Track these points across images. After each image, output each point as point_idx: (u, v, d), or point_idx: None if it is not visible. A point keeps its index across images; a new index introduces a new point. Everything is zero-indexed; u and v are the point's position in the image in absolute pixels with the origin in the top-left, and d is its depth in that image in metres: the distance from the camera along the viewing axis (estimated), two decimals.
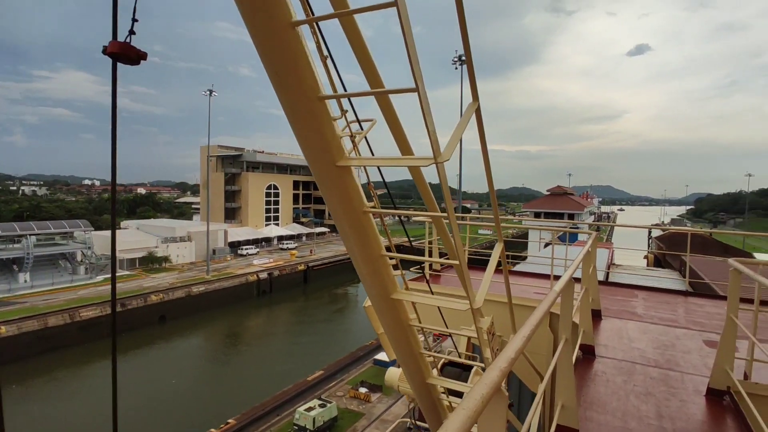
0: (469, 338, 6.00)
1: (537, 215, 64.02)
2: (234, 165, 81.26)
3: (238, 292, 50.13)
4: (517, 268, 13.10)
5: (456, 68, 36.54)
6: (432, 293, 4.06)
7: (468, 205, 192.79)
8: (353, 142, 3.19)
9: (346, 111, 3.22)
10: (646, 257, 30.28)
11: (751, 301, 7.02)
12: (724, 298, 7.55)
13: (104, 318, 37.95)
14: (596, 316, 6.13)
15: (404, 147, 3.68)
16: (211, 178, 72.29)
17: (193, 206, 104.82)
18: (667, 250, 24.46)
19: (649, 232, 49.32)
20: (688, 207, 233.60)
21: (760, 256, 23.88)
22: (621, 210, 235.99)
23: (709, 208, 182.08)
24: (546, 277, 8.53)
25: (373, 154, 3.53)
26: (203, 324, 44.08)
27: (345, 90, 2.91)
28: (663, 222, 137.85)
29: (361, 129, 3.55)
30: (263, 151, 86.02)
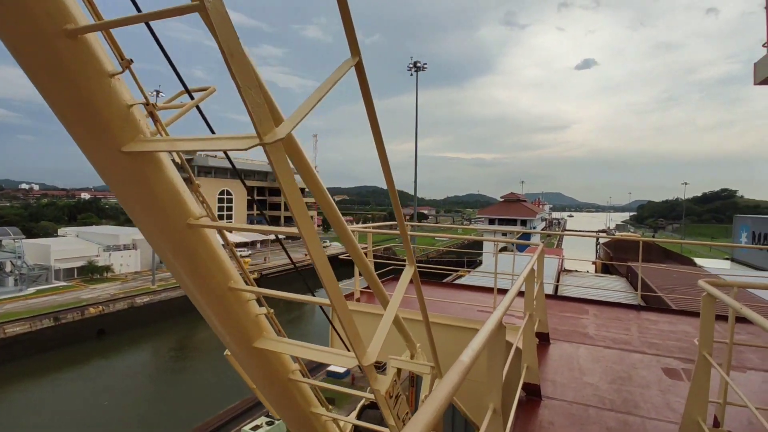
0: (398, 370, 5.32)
1: (492, 221, 65.31)
2: (185, 170, 78.12)
3: (187, 302, 47.40)
4: (465, 279, 12.75)
5: (411, 74, 36.59)
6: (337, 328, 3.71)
7: (425, 212, 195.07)
8: (154, 116, 2.21)
9: (131, 61, 1.96)
10: (594, 263, 31.43)
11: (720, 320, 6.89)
12: (677, 312, 7.20)
13: (35, 334, 34.99)
14: (544, 339, 5.51)
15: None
16: None
17: None
18: (613, 256, 25.42)
19: (597, 240, 51.52)
20: (631, 213, 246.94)
21: (699, 261, 25.01)
22: (570, 216, 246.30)
23: (649, 214, 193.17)
24: (487, 291, 7.92)
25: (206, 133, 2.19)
26: (148, 338, 41.62)
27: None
28: (608, 227, 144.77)
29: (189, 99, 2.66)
30: (216, 156, 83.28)
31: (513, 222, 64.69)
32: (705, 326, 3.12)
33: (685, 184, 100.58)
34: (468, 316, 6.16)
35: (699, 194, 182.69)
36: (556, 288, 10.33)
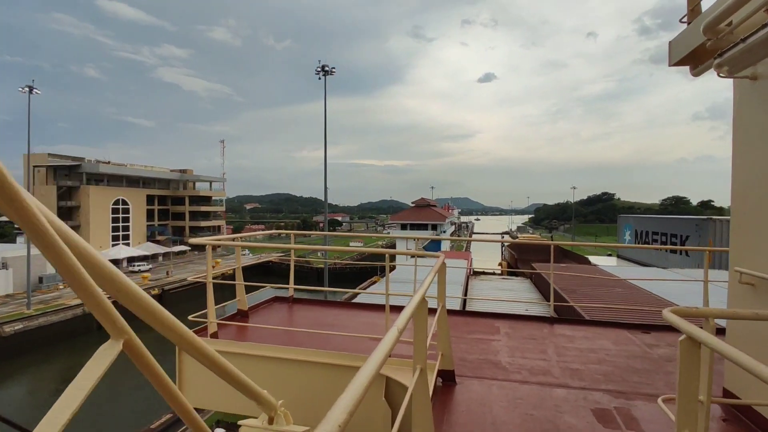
0: None
1: (404, 227, 66.83)
2: (71, 177, 70.00)
3: (72, 326, 42.56)
4: (362, 297, 10.13)
5: (319, 78, 36.15)
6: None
7: (339, 218, 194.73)
8: None
9: None
10: (500, 264, 33.45)
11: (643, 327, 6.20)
12: (591, 323, 6.58)
13: None
14: (449, 378, 4.39)
15: None
16: (40, 192, 61.23)
17: (16, 226, 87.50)
18: (517, 257, 26.94)
19: (502, 244, 55.19)
20: (530, 215, 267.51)
21: (592, 259, 27.31)
22: (477, 219, 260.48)
23: (545, 216, 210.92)
24: (396, 310, 6.29)
25: None
26: (22, 371, 36.36)
27: None
28: (511, 229, 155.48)
29: None
30: (109, 162, 75.88)
31: (424, 227, 66.77)
32: (684, 387, 2.11)
33: (574, 188, 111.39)
34: (359, 348, 4.94)
35: (585, 197, 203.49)
36: (464, 303, 9.35)
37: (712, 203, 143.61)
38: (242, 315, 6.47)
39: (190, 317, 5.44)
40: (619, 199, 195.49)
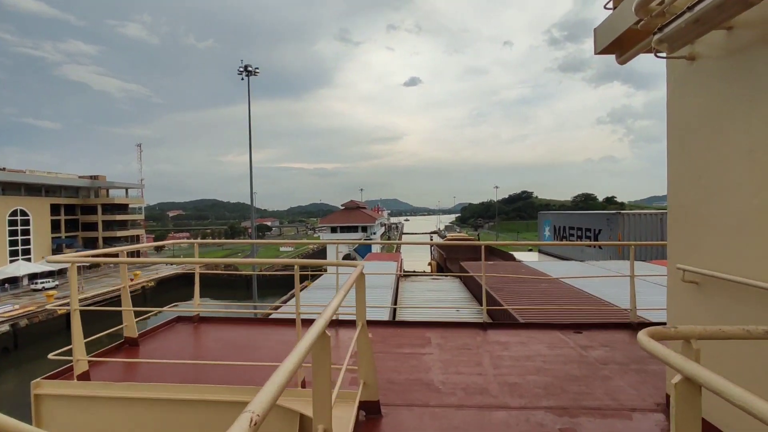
0: None
1: (334, 230, 66.95)
2: None
3: None
4: (285, 309, 9.49)
5: (242, 79, 35.26)
6: None
7: (269, 223, 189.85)
8: None
9: None
10: (429, 264, 34.54)
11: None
12: (523, 326, 6.21)
13: None
14: (373, 411, 3.75)
15: None
16: None
17: None
18: (446, 255, 27.51)
19: (431, 239, 57.12)
20: (456, 215, 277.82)
21: (516, 255, 28.60)
22: (407, 220, 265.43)
23: (470, 215, 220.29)
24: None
25: None
26: None
27: None
28: (439, 228, 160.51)
29: None
30: (5, 169, 68.46)
31: (354, 229, 67.33)
32: None
33: (496, 187, 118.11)
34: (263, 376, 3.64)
35: (506, 196, 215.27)
36: (394, 312, 8.69)
37: (615, 199, 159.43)
38: (131, 344, 5.29)
39: (50, 355, 4.30)
40: (537, 197, 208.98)
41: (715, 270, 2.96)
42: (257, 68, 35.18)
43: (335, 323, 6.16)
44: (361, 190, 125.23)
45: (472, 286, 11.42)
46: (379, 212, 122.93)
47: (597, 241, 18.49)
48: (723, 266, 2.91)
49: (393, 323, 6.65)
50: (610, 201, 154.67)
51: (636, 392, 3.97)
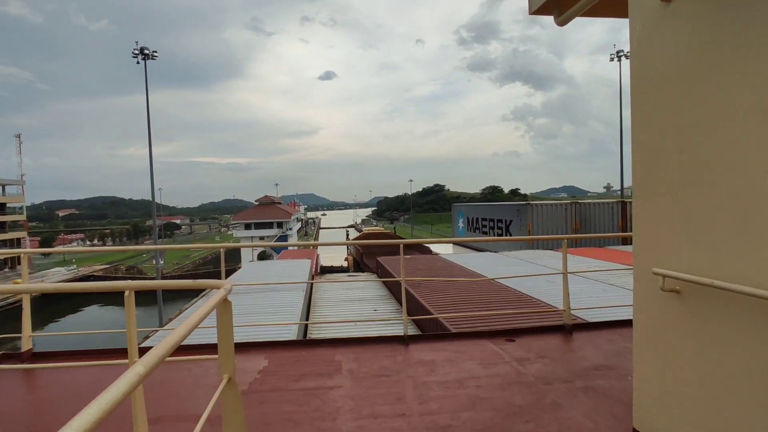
0: None
1: (248, 226, 64.45)
2: None
3: None
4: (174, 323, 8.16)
5: (138, 63, 32.29)
6: None
7: (177, 221, 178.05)
8: None
9: None
10: (346, 259, 34.42)
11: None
12: (447, 336, 5.56)
13: None
14: None
15: None
16: None
17: None
18: (363, 251, 27.16)
19: (347, 235, 56.94)
20: (373, 208, 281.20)
21: (433, 247, 29.35)
22: (324, 215, 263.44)
23: (386, 208, 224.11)
24: (209, 348, 4.74)
25: None
26: None
27: None
28: (356, 222, 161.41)
29: None
30: None
31: (269, 225, 65.37)
32: None
33: (411, 181, 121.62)
34: None
35: (420, 189, 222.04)
36: (305, 329, 7.90)
37: (519, 191, 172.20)
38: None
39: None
40: (448, 189, 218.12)
41: (705, 276, 2.27)
42: (155, 52, 32.45)
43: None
44: (276, 185, 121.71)
45: (391, 284, 11.13)
46: (296, 207, 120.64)
47: (508, 230, 19.59)
48: (717, 271, 2.23)
49: (296, 344, 5.45)
50: (514, 193, 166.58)
51: (594, 426, 3.26)
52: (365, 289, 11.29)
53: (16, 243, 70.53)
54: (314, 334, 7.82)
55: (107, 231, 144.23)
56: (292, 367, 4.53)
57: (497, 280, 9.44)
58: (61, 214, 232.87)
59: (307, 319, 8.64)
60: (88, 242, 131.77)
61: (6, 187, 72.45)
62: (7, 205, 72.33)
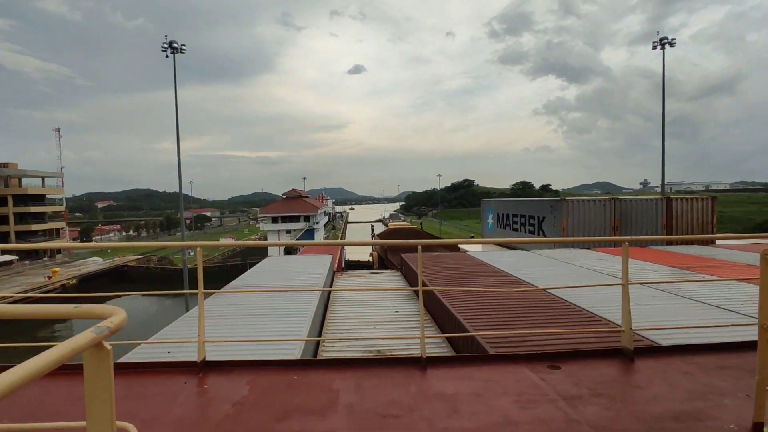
0: None
1: (275, 220, 64.87)
2: None
3: None
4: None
5: (167, 57, 32.46)
6: None
7: (208, 214, 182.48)
8: None
9: None
10: (371, 255, 33.80)
11: None
12: (472, 360, 4.56)
13: None
14: None
15: None
16: None
17: None
18: (387, 247, 26.48)
19: (372, 230, 56.38)
20: (401, 203, 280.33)
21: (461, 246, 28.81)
22: (352, 209, 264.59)
23: (414, 203, 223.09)
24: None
25: None
26: None
27: None
28: (384, 217, 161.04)
29: None
30: None
31: (296, 219, 65.60)
32: None
33: (440, 176, 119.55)
34: None
35: (449, 184, 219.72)
36: (316, 350, 6.92)
37: (551, 186, 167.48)
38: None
39: None
40: (478, 185, 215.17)
41: None
42: (183, 45, 32.53)
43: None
44: (304, 178, 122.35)
45: (413, 281, 10.40)
46: (324, 201, 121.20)
47: (541, 228, 18.56)
48: None
49: (289, 365, 4.44)
50: (545, 189, 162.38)
51: None
52: (388, 287, 10.80)
53: (55, 233, 73.36)
54: (326, 345, 7.13)
55: (142, 222, 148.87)
56: (278, 398, 3.62)
57: (548, 290, 7.87)
58: (99, 205, 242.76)
59: (322, 322, 8.03)
60: (123, 233, 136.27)
61: (46, 179, 75.33)
62: (48, 196, 75.22)
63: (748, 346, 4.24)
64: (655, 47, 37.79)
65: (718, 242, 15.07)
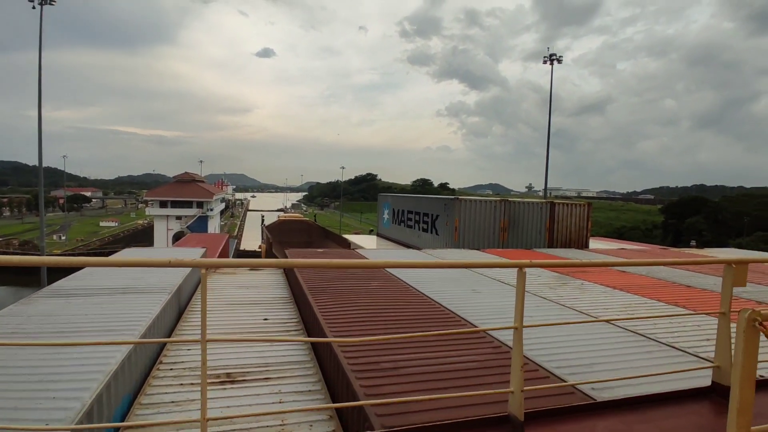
0: None
1: (163, 204, 59.51)
2: None
3: None
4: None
5: (33, 8, 27.33)
6: None
7: (88, 194, 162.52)
8: None
9: None
10: (260, 247, 31.79)
11: None
12: None
13: None
14: None
15: None
16: None
17: None
18: (280, 240, 24.96)
19: (262, 220, 53.49)
20: (304, 193, 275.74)
21: (350, 237, 28.18)
22: (253, 197, 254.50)
23: (318, 194, 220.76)
24: None
25: None
26: None
27: None
28: (285, 206, 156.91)
29: None
30: None
31: (189, 204, 60.80)
32: None
33: (343, 168, 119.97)
34: None
35: (353, 177, 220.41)
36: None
37: (448, 185, 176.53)
38: None
39: None
40: (380, 179, 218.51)
41: None
42: None
43: None
44: (201, 161, 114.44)
45: (293, 283, 8.30)
46: (223, 187, 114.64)
47: (434, 226, 18.84)
48: None
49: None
50: (444, 187, 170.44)
51: None
52: (264, 289, 8.54)
53: None
54: (167, 358, 5.01)
55: (5, 200, 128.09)
56: None
57: (605, 320, 5.94)
58: None
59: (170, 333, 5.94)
60: None
61: None
62: None
63: None
64: (545, 62, 41.34)
65: (591, 246, 16.56)
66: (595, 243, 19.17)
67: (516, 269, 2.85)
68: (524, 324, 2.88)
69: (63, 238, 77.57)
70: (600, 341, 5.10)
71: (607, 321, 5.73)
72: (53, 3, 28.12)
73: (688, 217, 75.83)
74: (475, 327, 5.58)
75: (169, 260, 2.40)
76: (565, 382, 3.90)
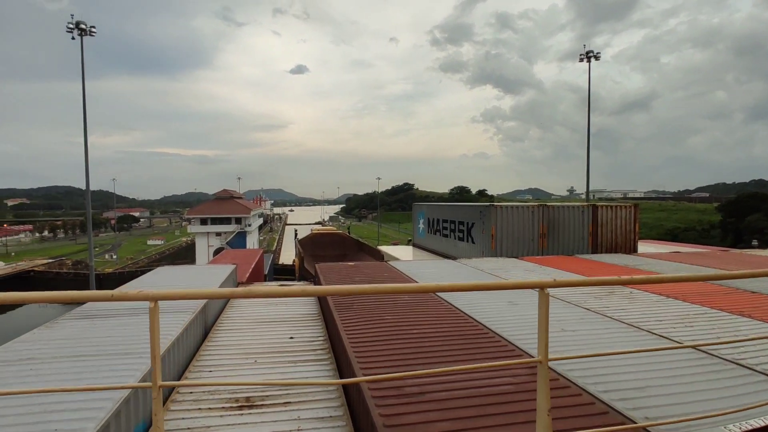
0: None
1: (203, 221, 61.29)
2: None
3: None
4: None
5: (73, 38, 28.84)
6: None
7: (136, 214, 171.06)
8: None
9: None
10: (294, 261, 31.75)
11: None
12: None
13: None
14: None
15: None
16: None
17: None
18: (312, 253, 24.70)
19: (296, 234, 53.69)
20: (341, 205, 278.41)
21: (387, 249, 27.74)
22: (291, 211, 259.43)
23: (355, 205, 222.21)
24: None
25: None
26: None
27: None
28: (323, 219, 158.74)
29: None
30: None
31: (227, 220, 62.35)
32: None
33: (379, 179, 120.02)
34: None
35: (389, 187, 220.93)
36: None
37: (486, 191, 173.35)
38: None
39: None
40: (417, 189, 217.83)
41: None
42: (93, 27, 29.37)
43: None
44: (239, 178, 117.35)
45: (322, 299, 7.97)
46: (261, 202, 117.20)
47: (470, 234, 18.06)
48: None
49: None
50: (481, 193, 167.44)
51: None
52: (291, 307, 8.14)
53: None
54: (181, 394, 4.57)
55: (59, 222, 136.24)
56: None
57: (475, 318, 5.87)
58: (10, 203, 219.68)
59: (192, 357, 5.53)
60: (37, 234, 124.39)
61: None
62: None
63: None
64: (581, 60, 39.56)
65: (640, 250, 15.26)
66: (644, 246, 17.76)
67: (537, 290, 2.42)
68: (550, 357, 2.41)
69: (114, 257, 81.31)
70: (669, 367, 4.21)
71: (693, 347, 4.56)
72: (93, 34, 29.42)
73: (748, 215, 70.54)
74: (513, 345, 4.99)
75: (112, 294, 2.33)
76: (634, 423, 3.22)
